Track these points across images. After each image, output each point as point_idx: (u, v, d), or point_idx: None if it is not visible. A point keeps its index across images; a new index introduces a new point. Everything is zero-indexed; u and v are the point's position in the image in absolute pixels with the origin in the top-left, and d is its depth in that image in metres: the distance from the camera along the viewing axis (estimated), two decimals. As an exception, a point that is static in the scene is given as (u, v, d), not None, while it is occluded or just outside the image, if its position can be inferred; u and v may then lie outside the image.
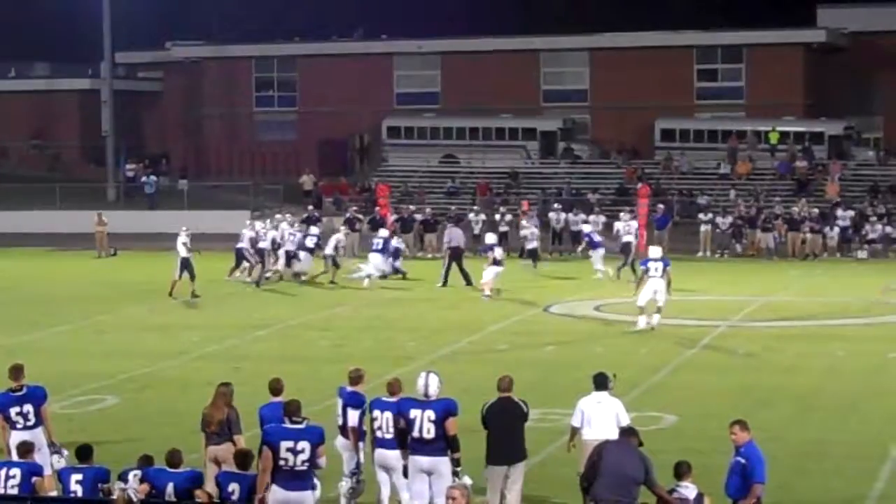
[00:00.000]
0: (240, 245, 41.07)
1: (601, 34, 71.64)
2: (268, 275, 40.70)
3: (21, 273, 45.86)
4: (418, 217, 51.96)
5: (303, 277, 41.09)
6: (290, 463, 14.04)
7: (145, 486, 13.92)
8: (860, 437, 20.71)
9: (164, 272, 39.20)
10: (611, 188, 62.08)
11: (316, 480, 14.56)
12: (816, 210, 52.07)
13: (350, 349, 28.67)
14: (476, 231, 50.94)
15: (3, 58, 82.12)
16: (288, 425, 14.28)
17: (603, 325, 32.78)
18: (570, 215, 51.02)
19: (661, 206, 52.24)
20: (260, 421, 15.54)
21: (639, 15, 74.45)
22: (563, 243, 51.14)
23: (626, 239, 42.22)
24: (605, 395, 16.39)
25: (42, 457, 15.70)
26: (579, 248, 45.23)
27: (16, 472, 14.23)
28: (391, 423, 15.50)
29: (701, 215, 52.31)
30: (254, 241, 41.17)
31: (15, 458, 15.32)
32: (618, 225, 43.86)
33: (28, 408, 16.43)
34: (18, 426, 16.36)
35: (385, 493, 15.89)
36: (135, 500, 13.30)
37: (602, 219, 50.51)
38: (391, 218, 50.33)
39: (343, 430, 16.28)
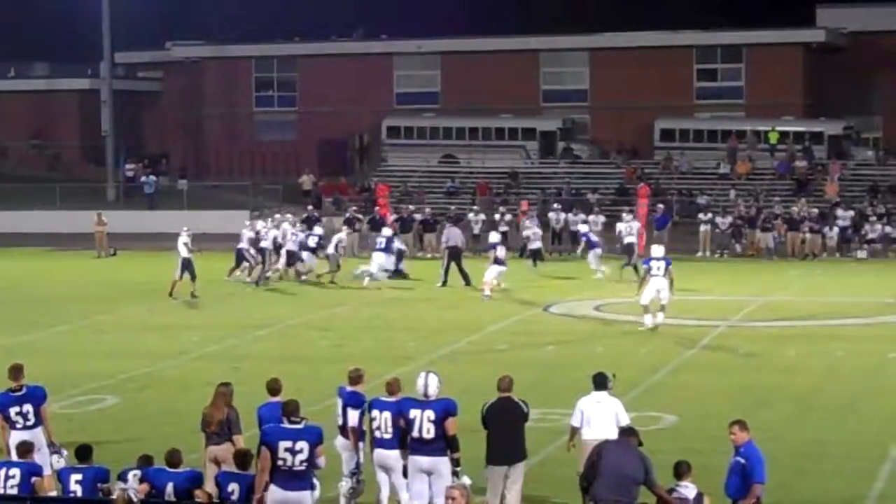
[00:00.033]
0: (240, 245, 41.07)
1: (601, 34, 71.67)
2: (269, 274, 40.70)
3: (21, 273, 45.86)
4: (418, 217, 51.93)
5: (303, 277, 41.08)
6: (289, 463, 14.04)
7: (145, 486, 13.93)
8: (859, 437, 20.72)
9: (164, 272, 39.20)
10: (610, 188, 62.11)
11: (315, 480, 14.57)
12: (816, 210, 52.06)
13: (350, 349, 28.67)
14: (476, 231, 50.96)
15: (2, 58, 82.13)
16: (286, 425, 14.28)
17: (603, 325, 32.78)
18: (570, 215, 51.01)
19: (660, 206, 52.24)
20: (258, 421, 15.54)
21: (638, 15, 74.47)
22: (562, 243, 51.14)
23: (627, 240, 42.18)
24: (605, 394, 16.40)
25: (42, 457, 15.70)
26: (579, 249, 45.23)
27: (15, 472, 14.23)
28: (390, 423, 15.50)
29: (700, 215, 52.31)
30: (253, 241, 41.16)
31: (14, 458, 15.32)
32: (620, 226, 43.84)
33: (28, 408, 16.42)
34: (18, 426, 16.35)
35: (384, 493, 15.89)
36: (134, 499, 13.31)
37: (602, 219, 50.53)
38: (391, 218, 50.30)
39: (343, 430, 16.28)
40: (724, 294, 38.81)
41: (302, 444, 14.07)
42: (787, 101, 66.60)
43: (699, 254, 49.75)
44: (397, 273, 41.07)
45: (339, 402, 16.36)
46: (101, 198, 65.62)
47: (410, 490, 15.47)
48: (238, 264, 41.11)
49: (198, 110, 77.62)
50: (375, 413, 15.65)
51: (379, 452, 15.73)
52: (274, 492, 13.99)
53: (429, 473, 15.30)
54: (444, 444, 15.20)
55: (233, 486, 13.99)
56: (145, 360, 27.54)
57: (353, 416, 16.05)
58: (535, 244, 43.95)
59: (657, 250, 31.70)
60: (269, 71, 77.36)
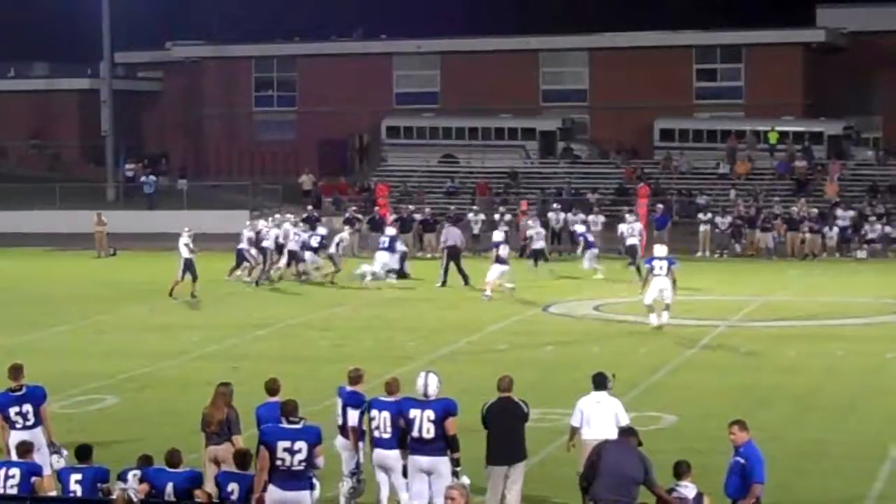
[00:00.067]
0: (240, 245, 41.05)
1: (600, 34, 71.68)
2: (272, 273, 40.63)
3: (20, 273, 45.86)
4: (417, 217, 51.93)
5: (304, 277, 41.10)
6: (287, 463, 14.04)
7: (145, 486, 13.93)
8: (859, 437, 20.72)
9: (164, 272, 39.21)
10: (610, 188, 62.13)
11: (315, 480, 14.57)
12: (816, 210, 52.06)
13: (350, 349, 28.68)
14: (475, 231, 50.99)
15: (2, 57, 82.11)
16: (285, 425, 14.28)
17: (602, 324, 32.79)
18: (570, 215, 51.01)
19: (660, 205, 52.23)
20: (257, 421, 15.55)
21: (638, 15, 74.46)
22: (562, 243, 51.14)
23: (630, 241, 42.13)
24: (605, 394, 16.40)
25: (41, 457, 15.70)
26: (579, 249, 45.21)
27: (15, 471, 14.23)
28: (389, 423, 15.50)
29: (700, 215, 52.32)
30: (252, 241, 41.13)
31: (14, 457, 15.32)
32: (622, 227, 43.85)
33: (27, 408, 16.42)
34: (18, 426, 16.35)
35: (384, 493, 15.90)
36: (134, 499, 13.31)
37: (601, 219, 50.57)
38: (390, 218, 50.30)
39: (343, 429, 16.29)
40: (723, 294, 38.82)
41: (300, 444, 14.07)
42: (787, 101, 66.60)
43: (699, 254, 49.74)
44: (400, 273, 41.07)
45: (339, 402, 16.37)
46: (100, 198, 65.62)
47: (410, 490, 15.47)
48: (239, 264, 41.10)
49: (197, 110, 77.63)
50: (374, 413, 15.65)
51: (378, 452, 15.74)
52: (273, 492, 13.99)
53: (429, 473, 15.30)
54: (443, 443, 15.20)
55: (232, 486, 13.99)
56: (145, 360, 27.54)
57: (353, 416, 16.06)
58: (538, 244, 43.94)
59: (660, 250, 31.70)
60: (269, 71, 77.38)
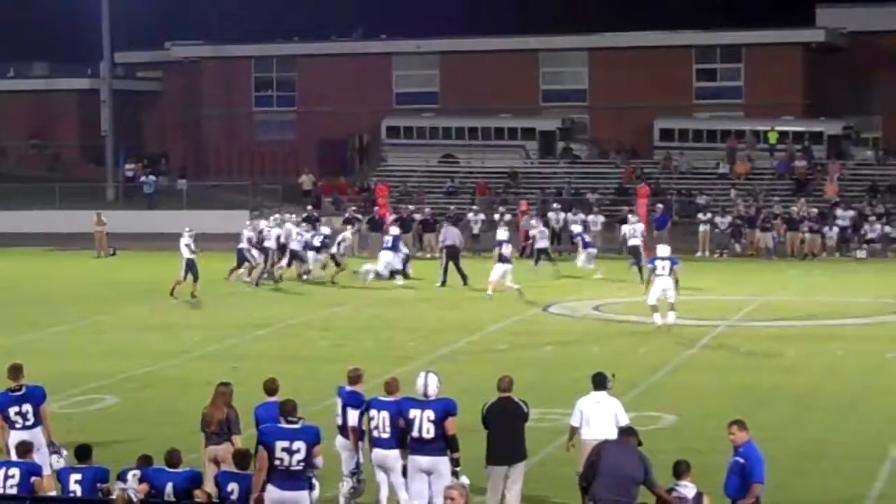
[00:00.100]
0: (240, 245, 41.04)
1: (600, 34, 71.70)
2: (275, 272, 40.59)
3: (20, 273, 45.85)
4: (417, 217, 51.91)
5: (304, 277, 41.11)
6: (286, 463, 14.03)
7: (144, 486, 13.93)
8: (859, 437, 20.72)
9: (164, 272, 39.20)
10: (610, 188, 62.13)
11: (315, 480, 14.57)
12: (815, 210, 52.04)
13: (350, 349, 28.68)
14: (475, 231, 50.98)
15: (2, 57, 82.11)
16: (283, 425, 14.28)
17: (602, 324, 32.78)
18: (570, 215, 51.01)
19: (659, 205, 52.22)
20: (255, 421, 15.55)
21: (637, 15, 74.47)
22: (561, 243, 51.12)
23: (632, 242, 42.06)
24: (604, 394, 16.40)
25: (41, 456, 15.70)
26: (579, 250, 45.21)
27: (15, 471, 14.23)
28: (388, 423, 15.51)
29: (700, 215, 52.30)
30: (252, 241, 41.08)
31: (14, 457, 15.32)
32: (625, 228, 43.83)
33: (27, 407, 16.41)
34: (17, 426, 16.34)
35: (384, 493, 15.90)
36: (134, 499, 13.31)
37: (601, 218, 50.58)
38: (390, 218, 50.30)
39: (342, 429, 16.29)
40: (723, 294, 38.83)
41: (299, 444, 14.07)
42: (787, 101, 66.61)
43: (698, 254, 49.71)
44: (402, 274, 41.09)
45: (339, 402, 16.37)
46: (100, 198, 65.62)
47: (410, 490, 15.47)
48: (240, 264, 41.07)
49: (197, 110, 77.63)
50: (373, 413, 15.65)
51: (377, 452, 15.74)
52: (271, 492, 13.99)
53: (428, 473, 15.30)
54: (443, 443, 15.21)
55: (232, 486, 13.99)
56: (145, 359, 27.54)
57: (353, 416, 16.05)
58: (542, 243, 43.94)
59: (662, 250, 31.69)
60: (269, 71, 77.39)
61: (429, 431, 15.19)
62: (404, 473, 15.54)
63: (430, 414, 15.20)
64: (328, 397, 18.14)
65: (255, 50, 77.12)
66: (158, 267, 42.65)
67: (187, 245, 37.38)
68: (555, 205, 53.36)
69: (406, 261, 41.66)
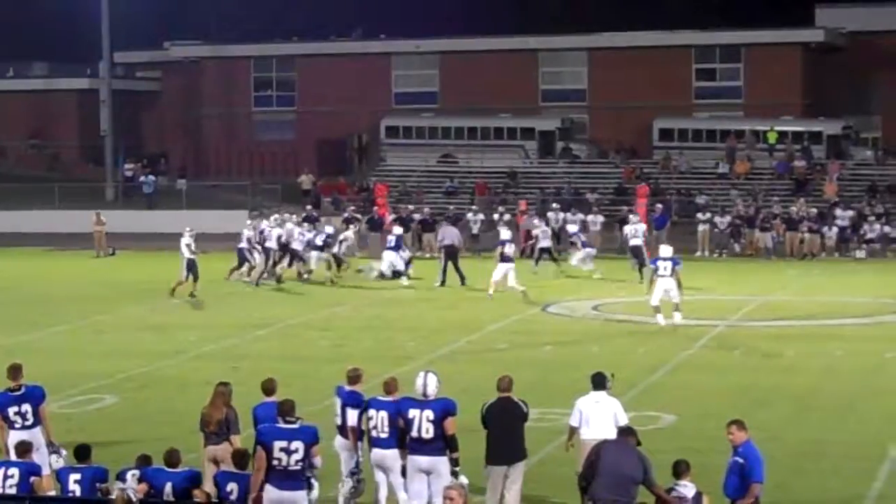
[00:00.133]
0: (240, 245, 41.03)
1: (599, 34, 71.71)
2: (277, 271, 40.59)
3: (19, 273, 45.84)
4: (417, 217, 51.91)
5: (305, 276, 41.13)
6: (284, 463, 14.03)
7: (143, 486, 13.93)
8: (858, 437, 20.72)
9: (163, 272, 39.19)
10: (609, 188, 62.13)
11: (314, 480, 14.57)
12: (815, 210, 52.05)
13: (349, 349, 28.68)
14: (475, 231, 50.96)
15: (1, 57, 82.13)
16: (281, 425, 14.28)
17: (601, 324, 32.78)
18: (569, 215, 51.01)
19: (659, 205, 52.22)
20: (254, 421, 15.56)
21: (637, 15, 74.49)
22: (561, 243, 51.10)
23: (633, 242, 42.03)
24: (604, 394, 16.40)
25: (40, 456, 15.69)
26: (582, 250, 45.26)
27: (14, 471, 14.22)
28: (386, 423, 15.51)
29: (699, 215, 52.31)
30: (251, 241, 41.05)
31: (13, 457, 15.32)
32: (626, 228, 43.84)
33: (26, 407, 16.41)
34: (17, 426, 16.34)
35: (383, 493, 15.90)
36: (133, 499, 13.31)
37: (600, 218, 50.57)
38: (389, 218, 50.30)
39: (342, 429, 16.28)
40: (722, 294, 38.82)
41: (297, 444, 14.06)
42: (786, 101, 66.62)
43: (698, 253, 49.69)
44: (404, 275, 41.10)
45: (338, 402, 16.36)
46: (99, 197, 65.62)
47: (409, 490, 15.47)
48: (241, 264, 41.07)
49: (196, 110, 77.63)
50: (372, 412, 15.65)
51: (376, 452, 15.74)
52: (269, 491, 13.99)
53: (428, 473, 15.30)
54: (443, 443, 15.21)
55: (231, 486, 13.99)
56: (144, 359, 27.54)
57: (353, 416, 16.05)
58: (545, 242, 43.95)
59: (665, 251, 31.69)
60: (268, 71, 77.38)
61: (428, 431, 15.19)
62: (403, 473, 15.54)
63: (429, 414, 15.20)
64: (327, 397, 18.14)
65: (255, 50, 77.13)
66: (158, 267, 42.64)
67: (188, 245, 37.36)
68: (554, 205, 53.35)
69: (409, 262, 41.68)
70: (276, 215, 45.89)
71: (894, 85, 68.97)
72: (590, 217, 50.33)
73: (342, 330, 31.81)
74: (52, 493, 14.76)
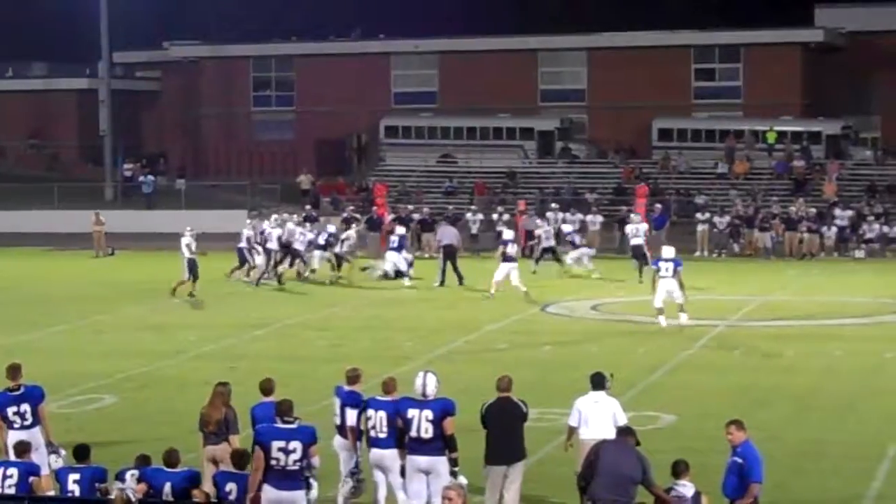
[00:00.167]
0: (240, 245, 41.02)
1: (599, 34, 71.70)
2: (278, 271, 40.58)
3: (19, 273, 45.84)
4: (416, 217, 51.91)
5: (306, 275, 41.13)
6: (282, 463, 14.03)
7: (143, 486, 13.92)
8: (858, 437, 20.72)
9: (162, 272, 39.19)
10: (608, 188, 62.13)
11: (313, 480, 14.56)
12: (814, 210, 52.05)
13: (348, 349, 28.67)
14: (474, 231, 50.95)
15: (1, 57, 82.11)
16: (279, 425, 14.27)
17: (601, 324, 32.78)
18: (567, 215, 51.03)
19: (658, 205, 52.20)
20: (252, 421, 15.55)
21: (636, 14, 74.49)
22: (560, 243, 51.07)
23: (634, 242, 42.00)
24: (603, 394, 16.39)
25: (39, 456, 15.69)
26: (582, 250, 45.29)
27: (13, 471, 14.22)
28: (385, 423, 15.50)
29: (698, 215, 52.32)
30: (251, 240, 41.03)
31: (12, 457, 15.29)
32: (628, 228, 43.83)
33: (25, 407, 16.41)
34: (16, 426, 16.34)
35: (382, 493, 15.89)
36: (132, 499, 13.30)
37: (599, 218, 50.58)
38: (388, 218, 50.29)
39: (341, 429, 16.27)
40: (722, 294, 38.82)
41: (295, 444, 14.06)
42: (785, 101, 66.62)
43: (697, 253, 49.68)
44: (405, 275, 41.14)
45: (337, 402, 16.35)
46: (99, 197, 65.63)
47: (408, 490, 15.47)
48: (241, 264, 41.06)
49: (195, 110, 77.62)
50: (371, 412, 15.64)
51: (375, 452, 15.73)
52: (268, 491, 13.99)
53: (427, 473, 15.30)
54: (442, 443, 15.20)
55: (230, 486, 13.98)
56: (143, 359, 27.54)
57: (352, 416, 16.04)
58: (548, 242, 43.97)
59: (667, 251, 31.65)
60: (267, 71, 77.38)
61: (427, 431, 15.18)
62: (402, 473, 15.53)
63: (428, 414, 15.19)
64: (326, 397, 18.13)
65: (254, 50, 77.13)
66: (157, 267, 42.64)
67: (188, 245, 37.34)
68: (553, 205, 53.35)
69: (411, 264, 41.69)
70: (276, 216, 45.88)
71: (894, 85, 68.97)
72: (589, 217, 50.33)
73: (340, 330, 31.81)
74: (51, 493, 14.76)
